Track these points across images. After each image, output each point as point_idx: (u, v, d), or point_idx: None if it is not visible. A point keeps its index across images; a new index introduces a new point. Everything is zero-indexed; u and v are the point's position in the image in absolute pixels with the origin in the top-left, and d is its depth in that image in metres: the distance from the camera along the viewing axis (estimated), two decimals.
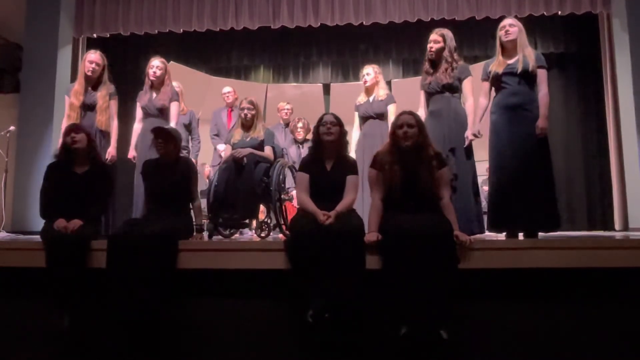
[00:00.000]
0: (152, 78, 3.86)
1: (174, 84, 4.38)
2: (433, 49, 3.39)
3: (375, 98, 3.99)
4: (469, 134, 3.28)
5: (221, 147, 4.75)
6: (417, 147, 2.60)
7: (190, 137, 4.73)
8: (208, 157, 5.34)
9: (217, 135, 4.98)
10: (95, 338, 2.62)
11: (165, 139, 2.92)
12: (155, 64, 3.88)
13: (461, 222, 2.91)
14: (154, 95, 3.88)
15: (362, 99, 4.04)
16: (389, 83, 6.57)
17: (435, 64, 3.43)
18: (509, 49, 3.13)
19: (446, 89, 3.37)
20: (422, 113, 3.41)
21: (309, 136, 5.00)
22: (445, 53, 3.38)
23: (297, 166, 4.15)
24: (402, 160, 2.60)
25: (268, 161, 3.58)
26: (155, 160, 3.04)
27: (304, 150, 4.85)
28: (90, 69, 3.69)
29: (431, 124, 3.30)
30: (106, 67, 3.78)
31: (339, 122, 2.76)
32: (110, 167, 3.51)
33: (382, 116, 3.96)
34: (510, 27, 3.12)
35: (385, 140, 3.70)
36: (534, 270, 2.52)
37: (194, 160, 4.59)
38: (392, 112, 3.93)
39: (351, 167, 2.76)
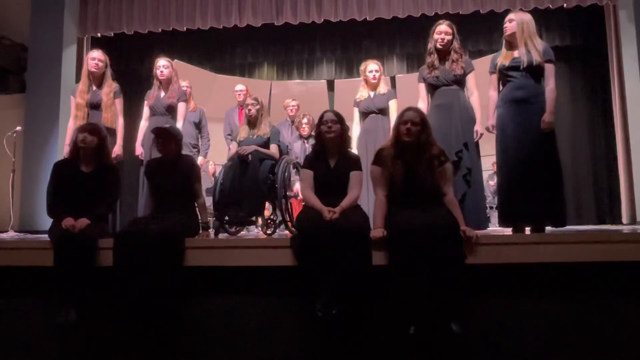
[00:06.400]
0: (160, 78, 3.91)
1: (184, 83, 4.40)
2: (445, 41, 3.36)
3: (376, 93, 3.98)
4: (478, 128, 3.29)
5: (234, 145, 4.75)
6: (418, 144, 2.60)
7: (199, 135, 4.74)
8: (218, 155, 5.34)
9: (230, 134, 4.98)
10: (103, 336, 2.64)
11: (166, 138, 2.92)
12: (162, 64, 3.92)
13: (474, 216, 2.90)
14: (162, 94, 3.92)
15: (362, 94, 4.03)
16: (392, 78, 6.57)
17: (442, 55, 3.40)
18: (512, 43, 3.10)
19: (456, 81, 3.36)
20: (422, 106, 3.40)
21: (315, 132, 5.00)
22: (455, 45, 3.37)
23: (301, 162, 4.16)
24: (404, 156, 2.60)
25: (273, 159, 3.59)
26: (157, 159, 3.05)
27: (309, 146, 4.85)
28: (94, 64, 3.72)
29: (439, 118, 3.28)
30: (109, 65, 3.81)
31: (339, 120, 2.77)
32: (117, 166, 3.53)
33: (383, 111, 3.94)
34: (509, 23, 3.07)
35: (386, 135, 3.71)
36: (541, 265, 2.51)
37: (203, 158, 4.60)
38: (393, 107, 3.93)
39: (354, 163, 2.77)
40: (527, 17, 3.08)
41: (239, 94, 5.06)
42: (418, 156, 2.58)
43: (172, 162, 2.95)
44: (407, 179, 2.56)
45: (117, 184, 3.02)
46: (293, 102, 5.29)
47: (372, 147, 3.72)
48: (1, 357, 2.74)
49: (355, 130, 4.00)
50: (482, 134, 3.30)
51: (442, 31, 3.37)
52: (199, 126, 4.70)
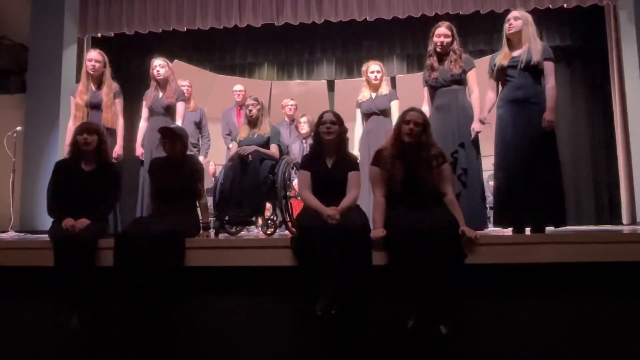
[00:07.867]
0: (157, 77, 3.90)
1: (184, 83, 4.40)
2: (444, 43, 3.37)
3: (378, 94, 3.98)
4: (475, 126, 3.29)
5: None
6: (419, 145, 2.60)
7: (200, 135, 4.75)
8: (217, 155, 5.35)
9: (229, 134, 4.99)
10: (103, 336, 2.63)
11: (172, 138, 2.93)
12: (158, 63, 3.92)
13: (469, 217, 2.90)
14: (160, 94, 3.92)
15: (364, 95, 4.03)
16: (393, 79, 6.56)
17: (441, 57, 3.41)
18: (514, 42, 3.10)
19: (454, 81, 3.36)
20: (425, 109, 3.40)
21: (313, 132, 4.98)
22: (454, 46, 3.38)
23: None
24: (404, 155, 2.60)
25: (273, 159, 3.59)
26: (162, 158, 3.06)
27: (308, 146, 4.84)
28: (91, 66, 3.73)
29: (438, 119, 3.29)
30: (107, 65, 3.81)
31: (338, 121, 2.77)
32: (117, 165, 3.53)
33: (385, 112, 3.94)
34: (515, 21, 3.08)
35: (388, 135, 3.71)
36: (541, 265, 2.51)
37: (203, 158, 4.61)
38: (395, 108, 3.93)
39: (352, 163, 2.78)
40: (531, 17, 3.11)
41: (238, 95, 5.06)
42: (418, 156, 2.59)
43: (177, 162, 2.95)
44: (407, 179, 2.57)
45: (118, 183, 3.02)
46: (291, 102, 5.29)
47: (375, 148, 3.69)
48: (1, 357, 2.74)
49: (357, 131, 4.01)
50: (479, 132, 3.30)
51: (442, 34, 3.38)
52: (199, 126, 4.72)
